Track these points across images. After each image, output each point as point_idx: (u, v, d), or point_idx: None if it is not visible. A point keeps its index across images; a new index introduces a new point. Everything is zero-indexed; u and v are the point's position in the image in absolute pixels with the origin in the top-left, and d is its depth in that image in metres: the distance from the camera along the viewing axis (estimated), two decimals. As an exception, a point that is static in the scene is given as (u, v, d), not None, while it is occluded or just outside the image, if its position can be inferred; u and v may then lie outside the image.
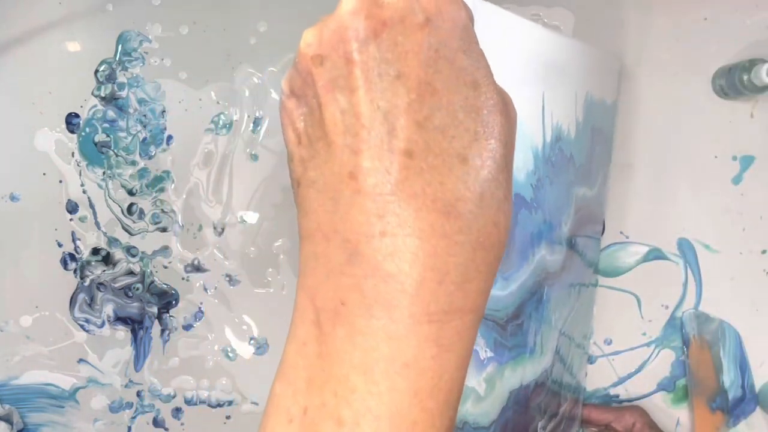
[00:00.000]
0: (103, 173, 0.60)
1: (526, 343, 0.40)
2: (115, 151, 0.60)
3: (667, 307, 0.61)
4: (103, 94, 0.60)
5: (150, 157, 0.60)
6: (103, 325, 0.60)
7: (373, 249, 0.19)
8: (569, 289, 0.47)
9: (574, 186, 0.41)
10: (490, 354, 0.36)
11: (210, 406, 0.61)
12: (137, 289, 0.60)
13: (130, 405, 0.60)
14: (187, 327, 0.61)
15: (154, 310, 0.60)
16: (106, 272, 0.60)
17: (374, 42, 0.19)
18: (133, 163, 0.60)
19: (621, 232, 0.60)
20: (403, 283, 0.19)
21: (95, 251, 0.60)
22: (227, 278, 0.60)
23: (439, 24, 0.19)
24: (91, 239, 0.60)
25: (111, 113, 0.60)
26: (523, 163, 0.33)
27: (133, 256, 0.60)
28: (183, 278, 0.61)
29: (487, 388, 0.37)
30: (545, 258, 0.39)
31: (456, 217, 0.19)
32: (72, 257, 0.60)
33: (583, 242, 0.48)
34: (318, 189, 0.20)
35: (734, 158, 0.60)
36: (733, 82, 0.57)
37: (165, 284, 0.60)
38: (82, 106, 0.60)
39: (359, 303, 0.19)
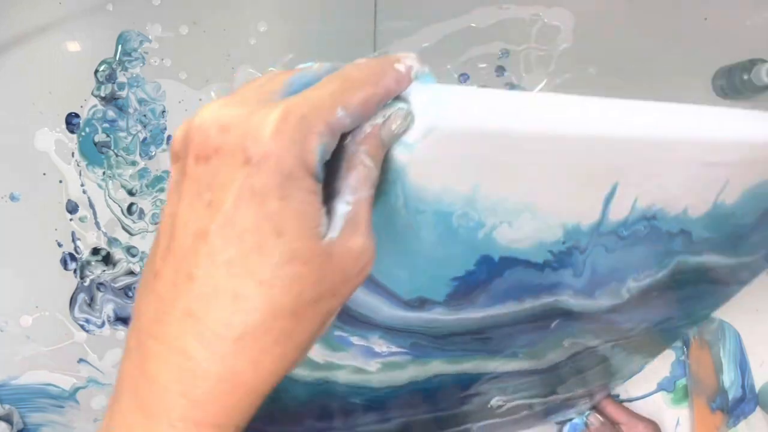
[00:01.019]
0: (103, 173, 0.60)
1: (485, 348, 0.42)
2: (115, 151, 0.60)
3: (667, 307, 0.61)
4: (103, 94, 0.60)
5: (150, 157, 0.60)
6: (103, 325, 0.60)
7: (148, 347, 0.21)
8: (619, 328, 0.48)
9: (677, 255, 0.41)
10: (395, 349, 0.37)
11: (210, 406, 0.61)
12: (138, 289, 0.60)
13: (130, 405, 0.60)
14: (187, 327, 0.61)
15: (154, 310, 0.60)
16: (106, 272, 0.60)
17: (204, 164, 0.20)
18: (133, 163, 0.60)
19: (621, 232, 0.60)
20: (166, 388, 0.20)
21: (95, 251, 0.60)
22: (227, 278, 0.60)
23: (261, 167, 0.19)
24: (91, 239, 0.60)
25: (111, 113, 0.60)
26: (535, 233, 0.33)
27: (133, 256, 0.60)
28: (183, 278, 0.61)
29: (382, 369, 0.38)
30: (566, 301, 0.40)
31: (208, 349, 0.20)
32: (72, 257, 0.60)
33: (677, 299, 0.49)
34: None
35: (734, 158, 0.60)
36: (733, 82, 0.57)
37: (165, 284, 0.60)
38: (82, 106, 0.60)
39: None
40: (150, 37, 0.60)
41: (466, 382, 0.46)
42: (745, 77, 0.56)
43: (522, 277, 0.36)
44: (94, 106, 0.60)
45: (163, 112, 0.60)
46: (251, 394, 0.20)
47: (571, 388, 0.56)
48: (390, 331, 0.35)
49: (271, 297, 0.20)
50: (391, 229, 0.27)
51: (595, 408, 0.61)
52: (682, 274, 0.44)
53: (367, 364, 0.37)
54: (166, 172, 0.60)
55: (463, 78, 0.60)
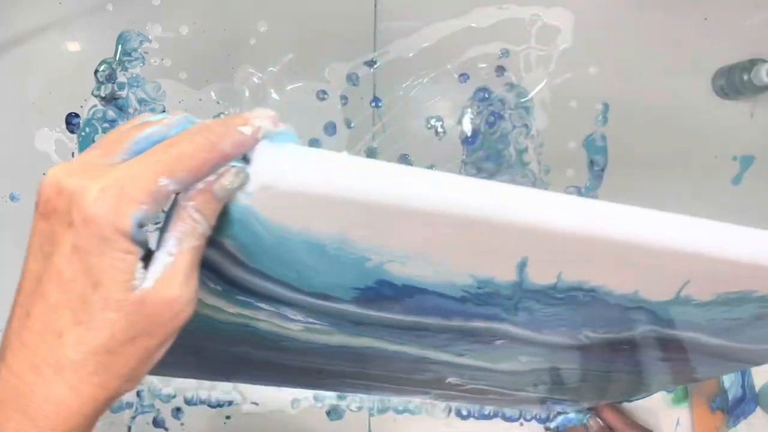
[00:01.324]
0: (103, 173, 0.60)
1: (421, 342, 0.40)
2: (115, 151, 0.60)
3: (667, 307, 0.61)
4: (103, 94, 0.60)
5: (150, 157, 0.60)
6: (103, 325, 0.60)
7: None
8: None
9: (643, 324, 0.37)
10: None
11: (210, 406, 0.61)
12: (137, 289, 0.60)
13: (130, 405, 0.60)
14: (187, 327, 0.61)
15: (154, 310, 0.60)
16: (106, 272, 0.60)
17: (45, 221, 0.24)
18: (133, 163, 0.60)
19: (621, 232, 0.60)
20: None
21: (95, 251, 0.60)
22: (227, 278, 0.60)
23: (83, 230, 0.23)
24: (91, 239, 0.60)
25: (111, 113, 0.60)
26: (438, 274, 0.30)
27: (133, 256, 0.60)
28: (183, 278, 0.61)
29: None
30: (508, 330, 0.37)
31: (38, 375, 0.24)
32: (72, 257, 0.60)
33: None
34: None
35: (734, 158, 0.60)
36: (733, 82, 0.57)
37: (165, 284, 0.61)
38: (82, 106, 0.60)
39: None
40: (150, 37, 0.60)
41: (408, 359, 0.43)
42: (745, 77, 0.56)
43: (440, 303, 0.33)
44: (94, 106, 0.60)
45: (163, 112, 0.60)
46: (76, 415, 0.25)
47: (549, 392, 0.54)
48: (300, 308, 0.34)
49: (87, 337, 0.24)
50: (262, 243, 0.27)
51: (595, 411, 0.60)
52: (660, 341, 0.40)
53: (286, 324, 0.36)
54: (166, 172, 0.60)
55: (463, 78, 0.60)
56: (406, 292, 0.32)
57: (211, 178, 0.25)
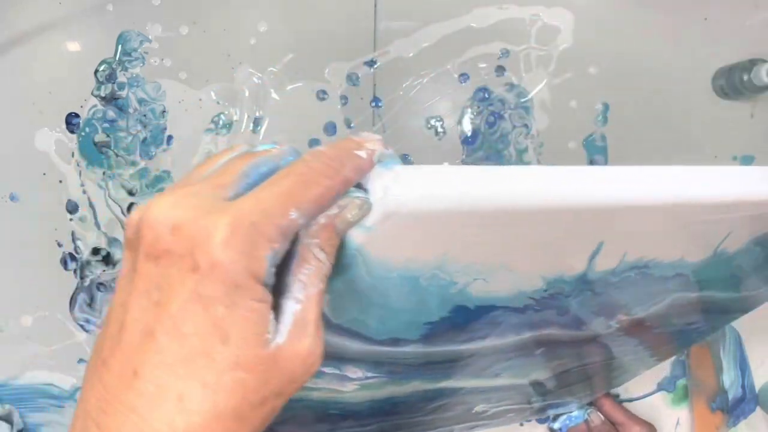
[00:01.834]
0: (103, 173, 0.60)
1: (465, 372, 0.41)
2: (115, 151, 0.60)
3: (667, 307, 0.61)
4: (103, 94, 0.60)
5: (150, 157, 0.60)
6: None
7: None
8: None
9: (672, 293, 0.39)
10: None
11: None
12: (137, 289, 0.60)
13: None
14: (187, 327, 0.61)
15: (154, 310, 0.60)
16: (106, 272, 0.60)
17: (154, 263, 0.20)
18: (133, 163, 0.60)
19: (621, 232, 0.60)
20: None
21: (95, 251, 0.60)
22: (227, 278, 0.60)
23: (209, 276, 0.20)
24: (91, 239, 0.60)
25: (111, 113, 0.60)
26: (513, 285, 0.32)
27: (133, 256, 0.60)
28: (183, 278, 0.60)
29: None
30: (551, 334, 0.39)
31: None
32: (72, 257, 0.60)
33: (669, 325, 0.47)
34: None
35: (734, 158, 0.60)
36: (733, 82, 0.57)
37: (165, 284, 0.60)
38: (82, 106, 0.60)
39: None
40: (150, 37, 0.60)
41: (447, 394, 0.45)
42: (745, 77, 0.56)
43: (502, 318, 0.34)
44: (94, 106, 0.60)
45: (163, 112, 0.60)
46: None
47: (561, 396, 0.55)
48: (363, 362, 0.34)
49: (215, 400, 0.20)
50: (355, 289, 0.26)
51: (595, 405, 0.61)
52: (678, 308, 0.42)
53: (343, 386, 0.36)
54: (166, 172, 0.60)
55: (463, 78, 0.60)
56: (477, 314, 0.32)
57: (333, 211, 0.22)
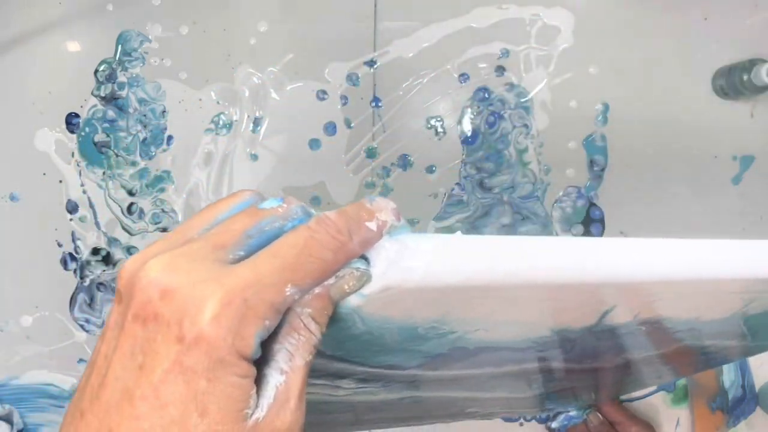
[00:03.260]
0: (103, 173, 0.60)
1: (461, 387, 0.41)
2: (115, 151, 0.60)
3: (667, 307, 0.61)
4: (103, 94, 0.60)
5: (150, 157, 0.60)
6: (103, 325, 0.60)
7: None
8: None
9: (682, 342, 0.39)
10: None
11: (210, 406, 0.61)
12: (137, 289, 0.60)
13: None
14: (187, 327, 0.61)
15: (154, 310, 0.60)
16: (106, 272, 0.60)
17: (141, 325, 0.20)
18: (133, 163, 0.60)
19: (621, 232, 0.60)
20: None
21: (95, 251, 0.60)
22: (227, 278, 0.60)
23: (194, 348, 0.19)
24: (91, 239, 0.60)
25: (111, 113, 0.60)
26: (517, 334, 0.32)
27: (133, 256, 0.60)
28: (183, 278, 0.61)
29: None
30: (551, 365, 0.39)
31: None
32: (72, 257, 0.60)
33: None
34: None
35: (734, 158, 0.60)
36: (733, 82, 0.57)
37: (165, 284, 0.60)
38: (82, 106, 0.60)
39: None
40: (150, 37, 0.60)
41: (441, 400, 0.45)
42: (745, 77, 0.56)
43: (502, 355, 0.34)
44: (94, 106, 0.60)
45: (163, 112, 0.60)
46: None
47: (562, 404, 0.56)
48: (357, 378, 0.33)
49: None
50: (350, 334, 0.25)
51: (594, 405, 0.61)
52: (686, 350, 0.41)
53: (335, 391, 0.36)
54: (166, 171, 0.60)
55: (463, 78, 0.60)
56: (476, 352, 0.32)
57: (330, 281, 0.21)
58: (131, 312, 0.20)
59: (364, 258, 0.22)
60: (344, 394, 0.37)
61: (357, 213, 0.22)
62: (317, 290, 0.21)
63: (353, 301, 0.22)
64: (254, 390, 0.20)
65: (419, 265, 0.22)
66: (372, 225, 0.22)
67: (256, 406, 0.20)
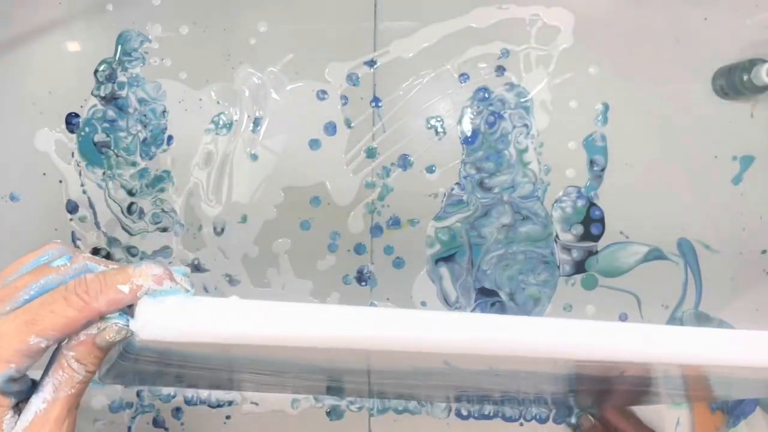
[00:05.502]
0: (103, 173, 0.60)
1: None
2: (115, 151, 0.60)
3: (667, 307, 0.61)
4: (103, 94, 0.60)
5: (150, 157, 0.60)
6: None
7: None
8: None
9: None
10: None
11: (210, 406, 0.61)
12: (137, 289, 0.60)
13: (130, 405, 0.60)
14: (187, 327, 0.61)
15: (154, 310, 0.60)
16: (106, 272, 0.60)
17: None
18: (133, 163, 0.60)
19: (621, 232, 0.60)
20: None
21: (95, 251, 0.60)
22: (227, 278, 0.60)
23: None
24: (91, 239, 0.60)
25: (111, 113, 0.60)
26: None
27: (133, 255, 0.60)
28: (183, 278, 0.61)
29: None
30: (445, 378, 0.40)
31: None
32: (72, 257, 0.60)
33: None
34: None
35: (734, 158, 0.60)
36: (733, 82, 0.57)
37: (165, 284, 0.60)
38: (82, 106, 0.60)
39: None
40: (150, 37, 0.60)
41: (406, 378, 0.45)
42: (745, 77, 0.56)
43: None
44: (94, 106, 0.60)
45: (164, 112, 0.60)
46: None
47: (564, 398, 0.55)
48: (245, 372, 0.38)
49: None
50: (166, 355, 0.30)
51: (599, 418, 0.59)
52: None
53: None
54: (166, 171, 0.60)
55: (463, 78, 0.60)
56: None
57: (93, 331, 0.26)
58: None
59: (127, 314, 0.26)
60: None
61: (113, 277, 0.26)
62: (82, 337, 0.26)
63: (135, 340, 0.26)
64: (10, 414, 0.25)
65: (171, 325, 0.26)
66: (125, 288, 0.25)
67: (13, 428, 0.25)
